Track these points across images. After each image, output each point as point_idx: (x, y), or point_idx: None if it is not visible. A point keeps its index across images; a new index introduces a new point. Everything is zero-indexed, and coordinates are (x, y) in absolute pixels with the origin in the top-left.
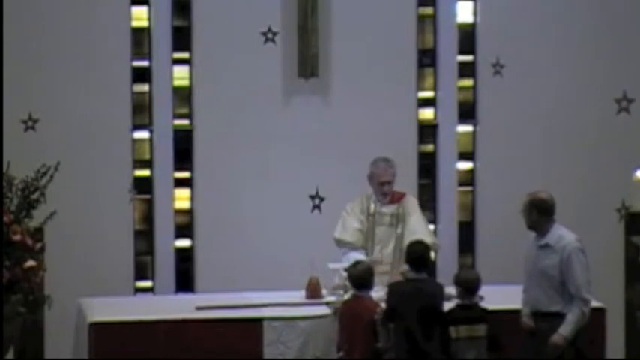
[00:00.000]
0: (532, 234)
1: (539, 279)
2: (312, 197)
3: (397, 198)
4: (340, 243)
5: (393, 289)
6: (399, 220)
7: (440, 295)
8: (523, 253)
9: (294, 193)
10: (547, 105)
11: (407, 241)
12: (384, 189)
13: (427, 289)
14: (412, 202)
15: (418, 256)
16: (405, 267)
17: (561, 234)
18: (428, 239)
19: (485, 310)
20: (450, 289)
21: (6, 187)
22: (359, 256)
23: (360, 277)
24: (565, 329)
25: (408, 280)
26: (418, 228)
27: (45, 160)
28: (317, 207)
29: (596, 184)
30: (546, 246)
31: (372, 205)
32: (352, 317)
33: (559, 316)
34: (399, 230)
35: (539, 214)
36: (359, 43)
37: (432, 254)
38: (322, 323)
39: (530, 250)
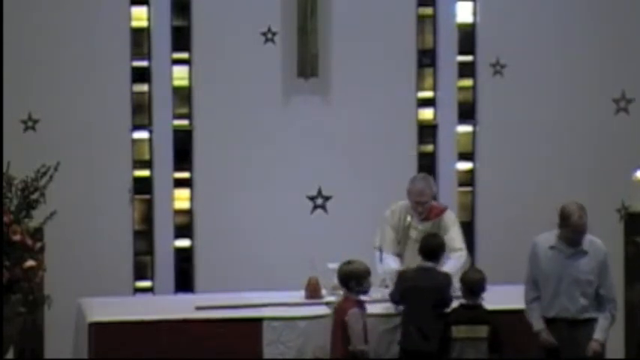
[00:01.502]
0: (536, 241)
1: (569, 287)
2: (312, 197)
3: (435, 214)
4: (379, 252)
5: (401, 276)
6: None
7: (447, 286)
8: (533, 261)
9: (293, 193)
10: (546, 105)
11: None
12: (418, 209)
13: (434, 280)
14: (450, 218)
15: (430, 248)
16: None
17: (590, 238)
18: (461, 259)
19: (488, 312)
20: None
21: (6, 187)
22: (393, 262)
23: (344, 277)
24: (602, 335)
25: (417, 269)
26: (450, 246)
27: (45, 160)
28: (317, 207)
29: (596, 184)
30: (581, 252)
31: (408, 218)
32: (334, 317)
33: (591, 322)
34: None
35: None
36: (359, 43)
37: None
38: (322, 323)
39: (554, 260)
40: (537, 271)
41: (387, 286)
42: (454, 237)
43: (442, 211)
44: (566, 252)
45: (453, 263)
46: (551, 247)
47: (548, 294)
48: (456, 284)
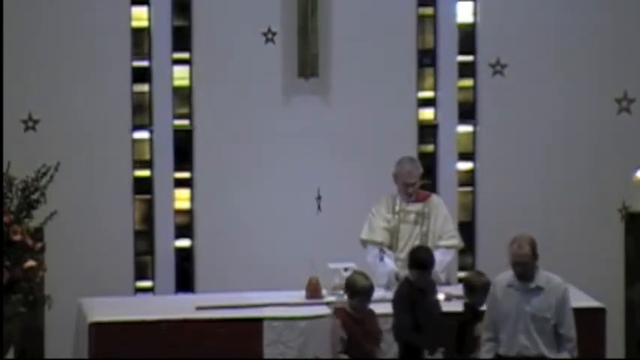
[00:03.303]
0: (495, 280)
1: (526, 324)
2: (312, 197)
3: (423, 197)
4: (367, 243)
5: None
6: (424, 218)
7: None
8: (492, 301)
9: (293, 193)
10: (547, 105)
11: (431, 240)
12: (408, 190)
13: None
14: (438, 202)
15: (413, 258)
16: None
17: (547, 275)
18: (452, 241)
19: (462, 313)
20: (450, 289)
21: (6, 187)
22: (391, 263)
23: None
24: None
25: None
26: (444, 230)
27: (45, 160)
28: (317, 207)
29: (596, 184)
30: (537, 288)
31: (398, 203)
32: None
33: None
34: (423, 228)
35: (536, 257)
36: (359, 43)
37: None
38: (322, 323)
39: (511, 297)
40: (496, 311)
41: (387, 287)
42: (445, 223)
43: (429, 195)
44: (522, 289)
45: (440, 258)
46: (509, 285)
47: (507, 333)
48: (441, 276)
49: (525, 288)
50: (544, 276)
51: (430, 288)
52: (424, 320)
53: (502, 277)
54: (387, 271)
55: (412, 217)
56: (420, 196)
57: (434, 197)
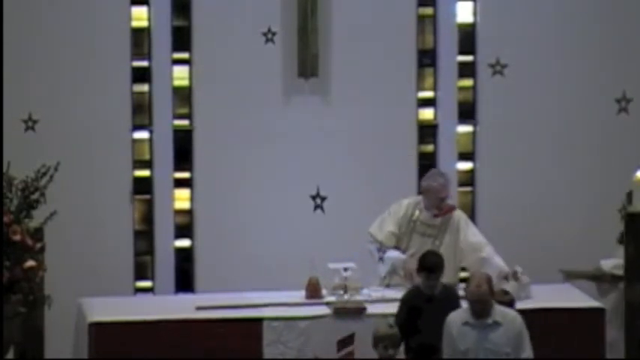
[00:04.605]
0: (449, 319)
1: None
2: (312, 197)
3: (444, 212)
4: (372, 238)
5: None
6: (439, 232)
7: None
8: (448, 340)
9: (294, 193)
10: (547, 105)
11: (444, 251)
12: (442, 205)
13: None
14: (463, 216)
15: (425, 264)
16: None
17: (501, 309)
18: (481, 254)
19: None
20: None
21: (6, 187)
22: (397, 254)
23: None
24: None
25: None
26: (477, 242)
27: (45, 160)
28: (317, 207)
29: (596, 184)
30: (495, 324)
31: (417, 213)
32: None
33: None
34: (436, 242)
35: (493, 294)
36: (359, 43)
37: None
38: (322, 323)
39: (468, 335)
40: (453, 350)
41: (387, 285)
42: (475, 232)
43: (451, 209)
44: (478, 326)
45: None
46: (464, 324)
47: None
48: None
49: (482, 325)
50: (499, 311)
51: (445, 297)
52: (426, 332)
53: (455, 315)
54: (394, 256)
55: (428, 230)
56: (444, 210)
57: (456, 213)
